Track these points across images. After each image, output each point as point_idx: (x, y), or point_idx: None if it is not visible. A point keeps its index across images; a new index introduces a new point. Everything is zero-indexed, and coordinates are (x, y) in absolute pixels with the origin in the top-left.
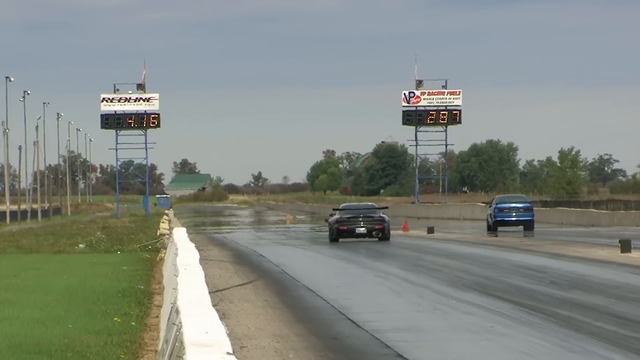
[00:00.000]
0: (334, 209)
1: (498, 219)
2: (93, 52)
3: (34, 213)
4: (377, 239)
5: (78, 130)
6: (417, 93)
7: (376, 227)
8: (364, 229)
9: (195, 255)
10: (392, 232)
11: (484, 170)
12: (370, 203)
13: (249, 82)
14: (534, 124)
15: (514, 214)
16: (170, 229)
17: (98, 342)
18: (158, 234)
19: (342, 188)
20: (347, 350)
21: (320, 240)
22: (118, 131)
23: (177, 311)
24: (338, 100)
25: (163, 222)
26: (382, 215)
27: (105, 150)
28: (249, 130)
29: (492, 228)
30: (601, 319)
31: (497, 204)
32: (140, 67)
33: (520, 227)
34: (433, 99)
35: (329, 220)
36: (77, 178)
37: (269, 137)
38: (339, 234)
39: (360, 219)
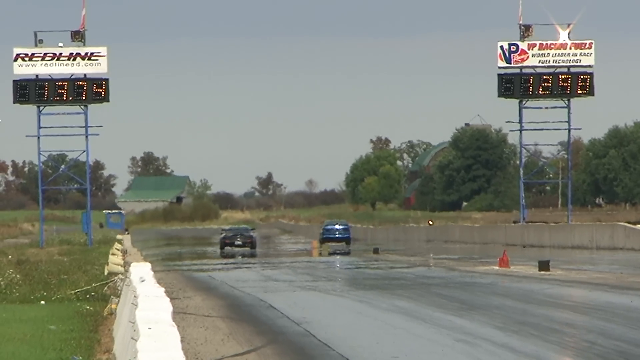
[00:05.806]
0: (222, 229)
1: (325, 236)
2: None
3: None
4: (249, 248)
5: None
6: (523, 46)
7: (248, 241)
8: (240, 242)
9: (166, 306)
10: (483, 268)
11: (631, 170)
12: (244, 226)
13: (250, 28)
14: None
15: (337, 232)
16: (126, 264)
17: None
18: (106, 272)
19: (403, 200)
20: None
21: (367, 283)
22: (41, 107)
23: None
24: (396, 57)
25: (114, 254)
26: (252, 234)
27: (21, 138)
28: (250, 107)
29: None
30: None
31: (325, 226)
32: (78, 6)
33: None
34: (548, 55)
35: (220, 237)
36: None
37: (283, 118)
38: (225, 245)
39: (238, 236)
